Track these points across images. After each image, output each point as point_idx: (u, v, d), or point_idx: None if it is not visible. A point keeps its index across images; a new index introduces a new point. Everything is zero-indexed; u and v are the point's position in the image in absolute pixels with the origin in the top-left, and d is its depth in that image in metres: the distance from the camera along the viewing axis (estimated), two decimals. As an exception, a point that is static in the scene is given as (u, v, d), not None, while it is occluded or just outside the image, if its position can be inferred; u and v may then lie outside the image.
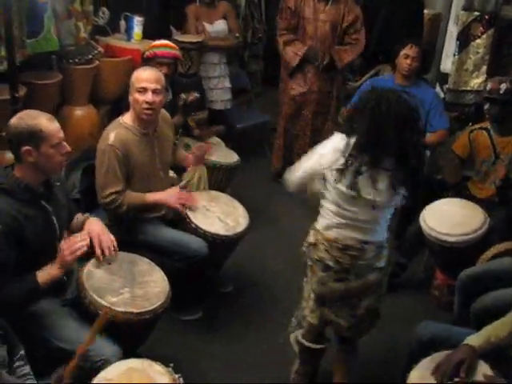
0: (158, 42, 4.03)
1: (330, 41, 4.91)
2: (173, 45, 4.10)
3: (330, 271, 2.68)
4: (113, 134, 3.20)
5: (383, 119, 2.46)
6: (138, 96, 3.19)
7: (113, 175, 3.19)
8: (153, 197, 3.34)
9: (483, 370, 2.36)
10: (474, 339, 2.41)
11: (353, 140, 2.52)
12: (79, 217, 2.90)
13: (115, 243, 2.82)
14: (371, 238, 2.68)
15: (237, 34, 5.46)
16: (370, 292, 2.76)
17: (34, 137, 2.43)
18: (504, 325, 2.44)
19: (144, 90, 3.19)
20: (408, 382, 2.40)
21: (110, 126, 3.31)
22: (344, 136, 2.58)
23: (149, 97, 3.19)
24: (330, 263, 2.67)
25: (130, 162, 3.24)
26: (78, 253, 2.54)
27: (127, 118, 3.30)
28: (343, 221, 2.64)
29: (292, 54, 4.94)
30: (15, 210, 2.43)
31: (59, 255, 2.52)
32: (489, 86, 3.69)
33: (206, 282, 3.70)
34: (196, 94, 4.35)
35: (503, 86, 3.60)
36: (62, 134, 2.54)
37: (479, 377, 2.33)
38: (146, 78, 3.21)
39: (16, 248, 2.42)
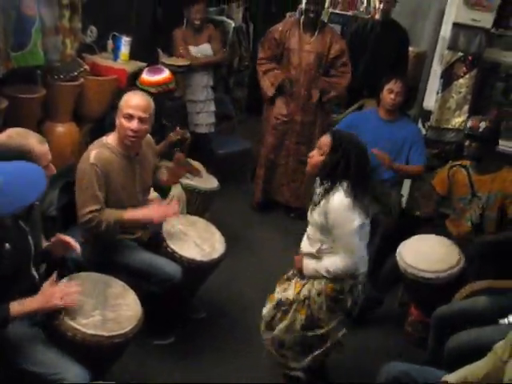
0: (164, 77, 4.21)
1: (315, 71, 4.96)
2: (172, 76, 4.26)
3: None
4: (94, 153, 3.16)
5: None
6: (123, 121, 3.16)
7: (91, 194, 3.14)
8: (132, 214, 3.26)
9: None
10: (452, 377, 2.40)
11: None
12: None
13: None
14: None
15: (224, 49, 5.51)
16: None
17: (23, 157, 2.36)
18: (480, 368, 2.42)
19: (130, 117, 3.15)
20: None
21: (93, 145, 3.26)
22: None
23: (134, 125, 3.15)
24: None
25: (110, 182, 3.19)
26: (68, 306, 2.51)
27: (110, 139, 3.26)
28: None
29: (268, 83, 4.99)
30: None
31: (45, 295, 2.44)
32: (469, 124, 3.75)
33: (180, 307, 3.65)
34: (188, 134, 4.52)
35: (482, 125, 3.66)
36: (49, 157, 2.51)
37: None
38: (135, 104, 3.16)
39: None
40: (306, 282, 3.02)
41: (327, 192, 2.86)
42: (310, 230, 3.03)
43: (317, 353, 3.05)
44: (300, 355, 3.08)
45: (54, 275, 2.55)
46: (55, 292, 2.46)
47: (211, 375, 3.38)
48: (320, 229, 2.92)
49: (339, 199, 2.81)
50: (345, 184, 2.82)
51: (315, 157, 2.93)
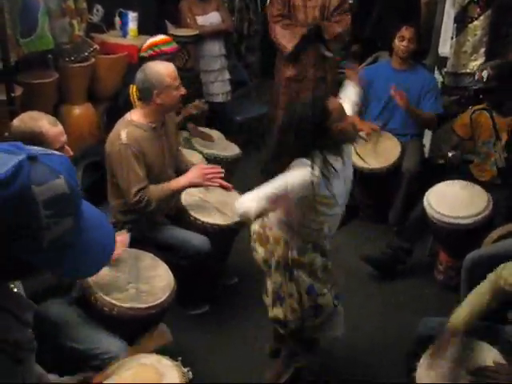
0: (157, 39, 4.01)
1: None
2: (170, 38, 4.08)
3: None
4: (124, 133, 3.14)
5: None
6: (175, 93, 3.20)
7: (134, 174, 3.14)
8: (177, 183, 3.26)
9: (493, 356, 2.36)
10: (459, 317, 2.41)
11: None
12: None
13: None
14: None
15: (232, 18, 5.44)
16: None
17: (36, 139, 2.35)
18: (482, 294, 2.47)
19: (179, 85, 3.22)
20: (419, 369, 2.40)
21: (119, 125, 3.24)
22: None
23: (183, 90, 3.24)
24: None
25: (145, 158, 3.20)
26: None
27: (135, 115, 3.24)
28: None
29: (287, 39, 4.90)
30: None
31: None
32: (476, 77, 3.70)
33: (212, 276, 3.68)
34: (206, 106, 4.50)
35: (485, 74, 3.61)
36: (64, 138, 2.51)
37: (489, 363, 2.34)
38: (175, 73, 3.22)
39: None
40: None
41: None
42: None
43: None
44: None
45: None
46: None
47: (247, 342, 3.43)
48: None
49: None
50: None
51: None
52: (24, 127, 2.42)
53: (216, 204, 3.57)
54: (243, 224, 3.51)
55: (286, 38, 4.93)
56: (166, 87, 3.16)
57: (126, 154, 3.12)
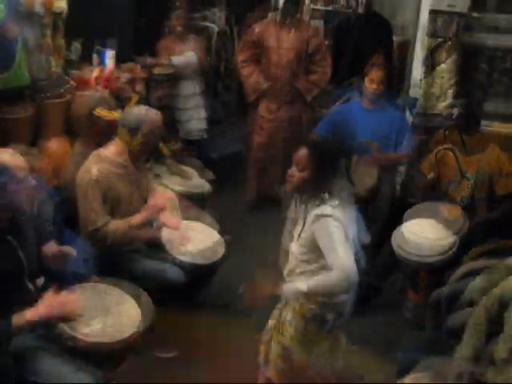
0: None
1: (295, 69, 5.03)
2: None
3: None
4: (96, 168, 3.22)
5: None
6: (156, 140, 3.44)
7: (96, 210, 3.20)
8: (136, 218, 3.31)
9: None
10: (464, 351, 2.54)
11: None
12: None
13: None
14: None
15: (208, 58, 5.56)
16: None
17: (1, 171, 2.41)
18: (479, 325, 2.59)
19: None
20: None
21: (91, 159, 3.31)
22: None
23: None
24: None
25: (114, 195, 3.26)
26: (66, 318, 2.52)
27: (109, 152, 3.31)
28: None
29: (250, 89, 5.10)
30: None
31: (44, 303, 2.45)
32: (444, 113, 3.83)
33: (185, 316, 3.65)
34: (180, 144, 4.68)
35: (455, 111, 3.73)
36: (26, 169, 2.55)
37: None
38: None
39: None
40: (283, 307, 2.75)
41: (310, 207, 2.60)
42: (297, 250, 2.68)
43: None
44: None
45: (54, 286, 2.58)
46: (55, 302, 2.48)
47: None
48: (308, 247, 2.61)
49: (320, 209, 2.53)
50: (326, 195, 2.55)
51: (295, 174, 2.62)
52: None
53: (196, 242, 3.58)
54: (221, 263, 3.57)
55: (249, 88, 5.07)
56: (151, 137, 3.32)
57: (93, 189, 3.17)
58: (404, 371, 2.69)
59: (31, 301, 2.50)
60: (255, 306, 2.62)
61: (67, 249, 2.77)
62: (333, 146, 2.62)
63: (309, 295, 2.53)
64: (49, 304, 2.46)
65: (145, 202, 3.54)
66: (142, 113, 3.32)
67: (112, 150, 3.31)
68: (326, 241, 2.48)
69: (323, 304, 2.62)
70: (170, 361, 3.51)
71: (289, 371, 2.70)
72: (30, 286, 2.61)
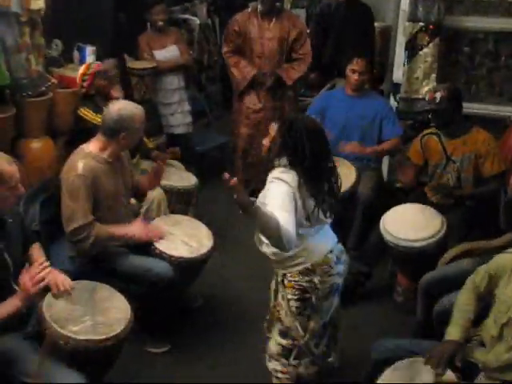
0: (81, 71, 4.23)
1: (278, 58, 5.02)
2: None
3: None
4: (81, 164, 3.20)
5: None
6: (138, 136, 3.40)
7: (82, 207, 3.18)
8: (120, 231, 3.34)
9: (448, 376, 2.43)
10: (454, 333, 2.54)
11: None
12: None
13: (68, 280, 2.78)
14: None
15: (191, 52, 5.53)
16: None
17: None
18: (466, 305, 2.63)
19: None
20: None
21: (75, 155, 3.29)
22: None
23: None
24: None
25: (99, 191, 3.24)
26: (42, 284, 2.52)
27: (92, 147, 3.30)
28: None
29: (240, 77, 5.04)
30: None
31: (22, 287, 2.49)
32: (427, 97, 3.82)
33: (175, 310, 3.66)
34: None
35: (438, 95, 3.72)
36: (18, 176, 2.55)
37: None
38: (144, 118, 3.37)
39: None
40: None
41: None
42: None
43: (301, 368, 2.88)
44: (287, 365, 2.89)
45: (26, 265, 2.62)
46: (26, 279, 2.49)
47: (212, 370, 3.44)
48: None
49: (272, 174, 2.68)
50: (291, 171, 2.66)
51: (266, 143, 2.85)
52: None
53: (182, 236, 3.58)
54: (209, 256, 3.57)
55: (237, 78, 5.06)
56: (135, 132, 3.30)
57: (79, 186, 3.16)
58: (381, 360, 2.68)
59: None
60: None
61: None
62: (304, 126, 2.72)
63: (251, 215, 2.49)
64: (22, 285, 2.49)
65: (130, 194, 3.57)
66: (122, 110, 3.28)
67: (95, 146, 3.30)
68: (269, 200, 2.58)
69: (303, 270, 2.73)
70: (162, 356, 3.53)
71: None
72: (16, 287, 2.60)
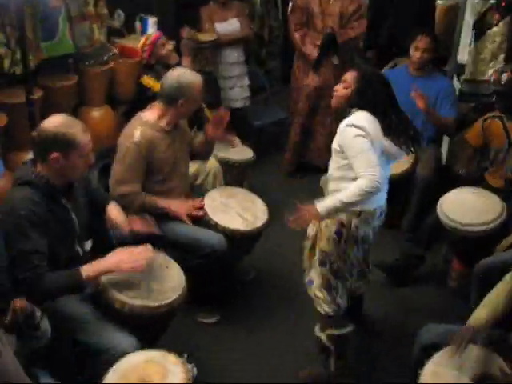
0: (142, 41, 4.24)
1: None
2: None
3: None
4: (138, 132, 3.24)
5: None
6: (197, 104, 3.42)
7: (133, 174, 3.24)
8: (163, 203, 3.38)
9: (498, 364, 2.37)
10: (476, 317, 2.51)
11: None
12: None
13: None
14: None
15: (251, 26, 5.51)
16: None
17: (68, 145, 2.47)
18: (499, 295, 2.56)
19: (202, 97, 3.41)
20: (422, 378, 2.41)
21: (133, 122, 3.33)
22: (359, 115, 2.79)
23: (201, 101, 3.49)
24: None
25: (155, 159, 3.28)
26: (138, 268, 2.61)
27: (150, 116, 3.33)
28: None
29: (311, 46, 4.98)
30: (40, 202, 2.47)
31: (115, 256, 2.58)
32: (492, 78, 3.68)
33: (227, 282, 3.69)
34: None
35: (504, 77, 3.58)
36: (91, 145, 2.59)
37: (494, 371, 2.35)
38: (202, 87, 3.37)
39: (44, 236, 2.45)
40: None
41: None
42: (332, 159, 2.98)
43: (338, 297, 3.02)
44: (327, 298, 3.03)
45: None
46: (125, 256, 2.59)
47: (259, 339, 3.48)
48: (336, 153, 2.89)
49: (350, 118, 2.81)
50: (365, 112, 2.80)
51: (340, 90, 2.93)
52: (56, 131, 2.47)
53: (238, 209, 3.59)
54: (263, 230, 3.58)
55: (308, 47, 5.00)
56: (193, 100, 3.31)
57: (134, 153, 3.21)
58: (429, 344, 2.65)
59: (78, 264, 2.57)
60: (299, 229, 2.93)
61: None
62: (378, 76, 2.97)
63: (343, 206, 2.76)
64: (118, 258, 2.58)
65: (187, 165, 3.59)
66: (180, 77, 3.29)
67: (154, 114, 3.32)
68: (349, 149, 2.76)
69: (348, 221, 2.88)
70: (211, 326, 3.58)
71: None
72: (79, 249, 2.68)
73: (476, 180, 3.99)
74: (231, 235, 3.43)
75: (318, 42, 4.94)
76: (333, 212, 2.81)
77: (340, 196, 2.75)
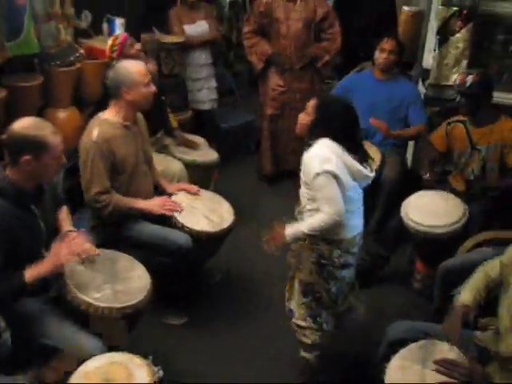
0: (110, 42, 4.19)
1: (305, 39, 4.99)
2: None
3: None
4: (96, 131, 3.23)
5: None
6: (145, 90, 3.29)
7: (98, 174, 3.22)
8: (138, 204, 3.39)
9: (455, 355, 2.43)
10: (464, 297, 2.62)
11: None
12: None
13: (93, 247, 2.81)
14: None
15: (220, 28, 5.52)
16: None
17: (39, 148, 2.45)
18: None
19: (149, 82, 3.31)
20: (388, 371, 2.45)
21: (91, 123, 3.33)
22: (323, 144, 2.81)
23: (153, 87, 3.35)
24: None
25: (116, 157, 3.27)
26: (77, 258, 2.58)
27: (108, 114, 3.32)
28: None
29: (255, 59, 5.06)
30: (7, 209, 2.45)
31: (54, 254, 2.52)
32: (457, 80, 3.75)
33: (194, 283, 3.70)
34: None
35: (469, 79, 3.63)
36: (62, 147, 2.57)
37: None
38: (145, 70, 3.33)
39: (5, 246, 2.43)
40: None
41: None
42: (301, 189, 2.99)
43: (324, 324, 3.04)
44: (313, 326, 3.05)
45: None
46: (62, 247, 2.54)
47: (227, 341, 3.49)
48: (304, 184, 2.90)
49: (313, 149, 2.82)
50: (326, 139, 2.81)
51: (302, 117, 2.96)
52: (26, 133, 2.45)
53: (204, 211, 3.60)
54: (229, 231, 3.59)
55: (253, 57, 5.07)
56: (134, 84, 3.26)
57: (94, 153, 3.19)
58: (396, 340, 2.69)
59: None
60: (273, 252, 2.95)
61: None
62: (336, 103, 2.95)
63: (307, 234, 2.85)
64: (56, 252, 2.52)
65: (150, 163, 3.58)
66: (116, 68, 3.30)
67: (110, 112, 3.33)
68: (312, 183, 2.80)
69: (330, 240, 2.89)
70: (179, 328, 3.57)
71: None
72: (46, 254, 2.64)
73: (439, 183, 4.07)
74: (197, 236, 3.43)
75: (264, 57, 4.99)
76: (296, 240, 2.93)
77: (302, 227, 2.85)
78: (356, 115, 2.89)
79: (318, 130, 2.85)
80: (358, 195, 2.93)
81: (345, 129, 2.84)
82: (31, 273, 2.45)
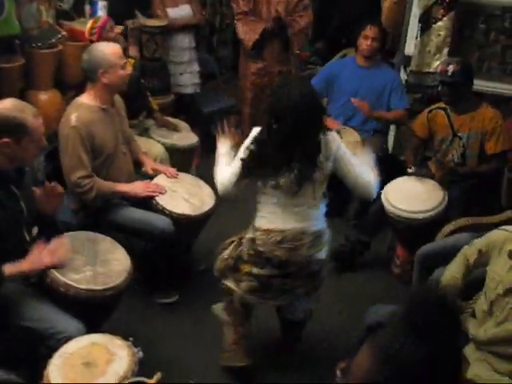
0: (90, 23, 4.18)
1: (283, 22, 4.99)
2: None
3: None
4: (74, 116, 3.22)
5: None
6: (121, 72, 3.30)
7: (79, 159, 3.21)
8: (121, 187, 3.40)
9: None
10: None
11: None
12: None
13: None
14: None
15: (203, 12, 5.49)
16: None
17: (18, 130, 2.44)
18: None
19: (125, 64, 3.32)
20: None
21: (69, 108, 3.32)
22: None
23: (129, 69, 3.38)
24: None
25: (95, 140, 3.26)
26: (58, 263, 2.55)
27: (85, 98, 3.32)
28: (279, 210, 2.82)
29: (249, 31, 5.01)
30: None
31: (36, 255, 2.50)
32: (438, 68, 3.78)
33: (180, 264, 3.71)
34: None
35: (450, 68, 3.66)
36: (43, 129, 2.56)
37: None
38: (120, 52, 3.34)
39: None
40: None
41: None
42: None
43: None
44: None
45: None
46: (44, 252, 2.52)
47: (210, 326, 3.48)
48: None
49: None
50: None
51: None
52: (6, 115, 2.44)
53: (184, 194, 3.60)
54: (210, 215, 3.59)
55: (247, 35, 5.03)
56: (110, 66, 3.26)
57: (74, 138, 3.19)
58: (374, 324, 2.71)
59: (26, 250, 2.54)
60: None
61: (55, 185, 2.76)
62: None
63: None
64: (39, 254, 2.51)
65: (129, 144, 3.58)
66: (90, 50, 3.32)
67: (88, 96, 3.33)
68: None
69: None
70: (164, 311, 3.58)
71: None
72: (26, 236, 2.63)
73: (421, 169, 4.09)
74: (177, 219, 3.44)
75: (258, 32, 4.97)
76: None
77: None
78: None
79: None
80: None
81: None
82: (10, 270, 2.44)
